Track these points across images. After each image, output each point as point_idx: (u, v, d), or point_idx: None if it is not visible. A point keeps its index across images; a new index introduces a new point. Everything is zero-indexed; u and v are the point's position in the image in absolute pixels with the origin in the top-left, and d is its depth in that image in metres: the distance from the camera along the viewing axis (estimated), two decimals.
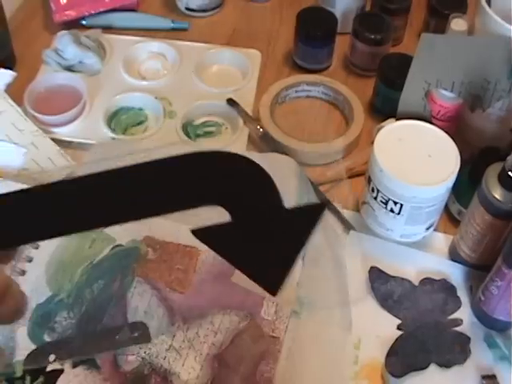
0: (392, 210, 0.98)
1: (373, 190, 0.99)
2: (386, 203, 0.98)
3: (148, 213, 0.44)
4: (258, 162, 1.10)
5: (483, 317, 0.96)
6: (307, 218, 0.44)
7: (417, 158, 0.96)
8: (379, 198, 0.99)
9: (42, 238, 0.45)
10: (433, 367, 0.92)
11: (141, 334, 0.91)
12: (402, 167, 0.95)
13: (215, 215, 0.44)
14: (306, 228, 0.44)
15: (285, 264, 0.45)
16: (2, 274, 0.48)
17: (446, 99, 1.11)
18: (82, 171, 1.06)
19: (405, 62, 1.16)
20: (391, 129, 1.00)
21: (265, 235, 0.45)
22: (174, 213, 0.43)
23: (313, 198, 1.05)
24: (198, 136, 1.22)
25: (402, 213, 0.98)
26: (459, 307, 0.98)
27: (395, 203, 0.97)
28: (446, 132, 1.00)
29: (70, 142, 1.19)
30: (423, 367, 0.92)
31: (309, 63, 1.34)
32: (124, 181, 0.44)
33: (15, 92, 1.20)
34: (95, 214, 0.44)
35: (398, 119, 1.06)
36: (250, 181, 0.44)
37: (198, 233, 0.44)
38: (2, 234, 0.44)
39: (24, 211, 0.44)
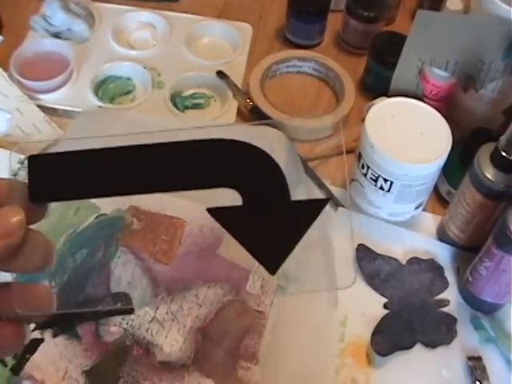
0: (382, 188, 0.97)
1: (363, 167, 0.98)
2: (375, 180, 0.97)
3: (171, 187, 0.48)
4: (247, 133, 1.08)
5: (470, 298, 0.95)
6: (310, 210, 0.49)
7: (409, 136, 0.95)
8: (369, 175, 0.97)
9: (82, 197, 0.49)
10: (418, 347, 0.91)
11: (123, 304, 0.90)
12: (393, 144, 0.93)
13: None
14: (307, 219, 0.49)
15: (285, 249, 0.49)
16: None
17: (439, 78, 1.10)
18: (67, 139, 1.05)
19: (397, 40, 1.15)
20: (384, 105, 0.99)
21: (270, 221, 0.49)
22: (193, 190, 0.48)
23: (301, 174, 1.04)
24: (186, 107, 1.20)
25: (391, 191, 0.97)
26: (446, 288, 0.97)
27: (385, 180, 0.95)
28: (438, 112, 0.98)
29: (55, 110, 1.18)
30: (409, 347, 0.91)
31: (300, 39, 1.32)
32: (156, 155, 0.48)
33: (1, 57, 1.18)
34: (125, 181, 0.48)
35: (390, 97, 1.04)
36: (264, 172, 0.48)
37: (212, 211, 0.49)
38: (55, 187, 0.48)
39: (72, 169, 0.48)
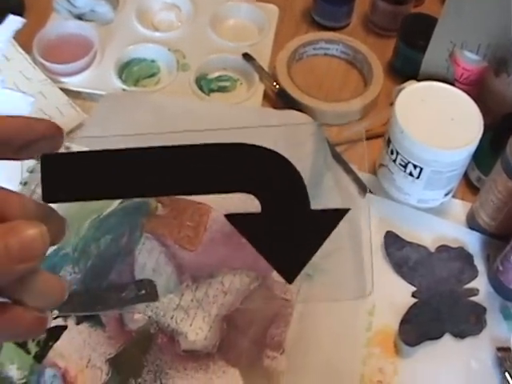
0: (411, 174, 0.96)
1: (392, 153, 0.96)
2: (405, 166, 0.95)
3: (188, 190, 0.49)
4: (274, 118, 1.08)
5: (500, 287, 0.94)
6: (329, 219, 0.49)
7: (439, 121, 0.93)
8: (398, 161, 0.96)
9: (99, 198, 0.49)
10: (447, 337, 0.90)
11: (148, 291, 0.89)
12: (423, 129, 0.92)
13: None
14: (326, 228, 0.49)
15: (302, 258, 0.50)
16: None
17: (471, 62, 1.08)
18: (91, 123, 1.05)
19: (427, 22, 1.14)
20: (414, 89, 0.97)
21: (289, 230, 0.49)
22: (211, 194, 0.49)
23: (329, 158, 1.03)
24: (211, 90, 1.19)
25: (421, 177, 0.95)
26: (476, 276, 0.96)
27: (415, 166, 0.94)
28: (469, 96, 0.96)
29: (79, 93, 1.17)
30: (437, 337, 0.90)
31: (327, 20, 1.31)
32: (173, 157, 0.48)
33: (24, 39, 1.16)
34: (140, 183, 0.48)
35: (419, 80, 1.03)
36: (284, 179, 0.48)
37: (230, 217, 0.49)
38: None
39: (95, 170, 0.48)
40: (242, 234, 0.49)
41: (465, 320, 0.91)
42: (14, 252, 0.43)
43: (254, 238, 0.49)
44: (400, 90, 0.98)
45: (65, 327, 0.87)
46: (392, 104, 0.96)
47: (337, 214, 0.49)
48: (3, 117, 0.49)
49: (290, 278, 0.50)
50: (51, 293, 0.47)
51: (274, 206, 0.48)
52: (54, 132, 0.49)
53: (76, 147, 1.02)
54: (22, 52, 1.14)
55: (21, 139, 0.48)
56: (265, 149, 0.48)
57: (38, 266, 0.45)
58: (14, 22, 1.15)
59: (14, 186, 0.75)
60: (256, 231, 0.49)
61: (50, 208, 0.49)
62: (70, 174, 0.47)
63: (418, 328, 0.90)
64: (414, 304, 0.93)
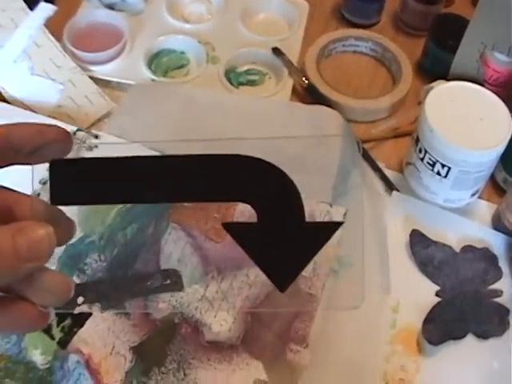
0: (439, 173, 0.95)
1: (420, 151, 0.96)
2: (432, 165, 0.95)
3: (189, 198, 0.54)
4: (303, 113, 1.08)
5: None
6: (323, 233, 0.51)
7: (468, 121, 0.93)
8: (426, 160, 0.96)
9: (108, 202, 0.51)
10: (470, 337, 0.90)
11: (173, 281, 0.90)
12: (452, 129, 0.92)
13: None
14: (319, 241, 0.51)
15: (295, 268, 0.52)
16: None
17: (501, 64, 1.08)
18: (119, 113, 1.06)
19: (458, 22, 1.14)
20: (444, 89, 0.97)
21: (283, 241, 0.51)
22: (214, 202, 0.54)
23: (356, 155, 1.03)
24: (240, 84, 1.19)
25: (448, 176, 0.95)
26: (500, 278, 0.95)
27: (443, 166, 0.94)
28: (498, 97, 0.96)
29: (108, 82, 1.17)
30: (460, 336, 0.89)
31: (357, 17, 1.31)
32: (175, 167, 0.50)
33: (55, 27, 1.17)
34: (143, 190, 0.51)
35: (448, 80, 1.02)
36: (281, 192, 0.50)
37: (227, 226, 0.51)
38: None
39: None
40: (238, 242, 0.51)
41: (488, 321, 0.91)
42: (22, 251, 0.45)
43: (250, 247, 0.51)
44: (429, 90, 0.98)
45: (90, 314, 0.88)
46: (420, 103, 0.96)
47: (330, 227, 0.51)
48: (15, 124, 0.51)
49: (282, 286, 0.52)
50: (56, 291, 0.49)
51: (270, 216, 0.50)
52: (64, 138, 0.51)
53: (105, 136, 1.04)
54: (53, 39, 1.14)
55: (32, 145, 0.50)
56: (263, 161, 0.50)
57: (44, 265, 0.47)
58: (45, 9, 1.15)
59: None
60: (251, 240, 0.51)
61: (59, 210, 0.52)
62: (78, 178, 0.50)
63: (441, 327, 0.89)
64: (438, 303, 0.92)
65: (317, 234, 0.51)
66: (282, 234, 0.51)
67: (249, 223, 0.51)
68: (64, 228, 0.52)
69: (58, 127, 0.51)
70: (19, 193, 0.52)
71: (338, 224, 0.51)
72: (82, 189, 0.50)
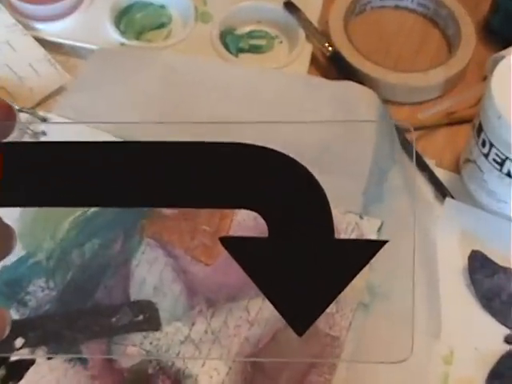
0: (509, 174, 0.96)
1: (484, 144, 0.97)
2: (501, 164, 0.96)
3: (174, 203, 0.50)
4: (325, 90, 1.09)
5: None
6: (358, 253, 0.49)
7: None
8: (492, 156, 0.97)
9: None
10: None
11: (147, 317, 0.90)
12: None
13: None
14: (353, 266, 0.49)
15: (319, 303, 0.49)
16: None
17: None
18: (76, 88, 1.06)
19: None
20: None
21: (303, 263, 0.49)
22: (209, 208, 0.50)
23: (396, 149, 1.04)
24: (240, 50, 1.21)
25: None
26: None
27: None
28: None
29: (61, 45, 1.18)
30: None
31: None
32: (162, 158, 0.49)
33: None
34: (118, 189, 0.49)
35: None
36: (302, 196, 0.48)
37: (225, 241, 0.49)
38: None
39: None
40: (242, 265, 0.49)
41: None
42: None
43: (258, 271, 0.49)
44: (498, 60, 0.99)
45: (31, 362, 0.88)
46: (486, 78, 0.96)
47: (369, 247, 0.49)
48: None
49: (300, 328, 0.50)
50: None
51: (285, 229, 0.48)
52: (3, 113, 0.51)
53: (56, 118, 1.05)
54: None
55: None
56: (277, 153, 0.48)
57: None
58: None
59: None
60: (260, 262, 0.49)
61: None
62: (24, 169, 0.48)
63: None
64: (508, 353, 0.92)
65: (350, 255, 0.49)
66: (302, 255, 0.48)
67: (257, 238, 0.48)
68: None
69: None
70: None
71: (381, 243, 0.49)
72: (30, 184, 0.48)
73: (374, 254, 0.49)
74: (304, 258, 0.49)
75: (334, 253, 0.48)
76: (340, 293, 0.49)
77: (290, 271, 0.49)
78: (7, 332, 0.49)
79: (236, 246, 0.49)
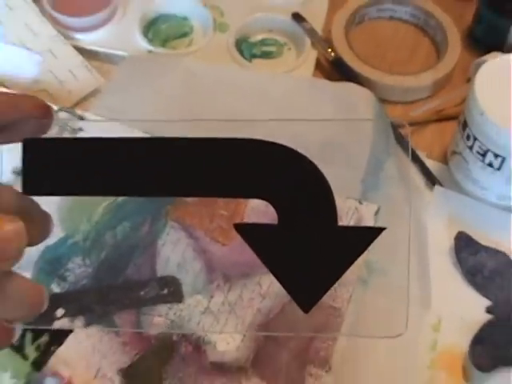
0: (490, 164, 0.96)
1: (468, 138, 0.96)
2: (483, 155, 0.95)
3: (192, 192, 0.50)
4: (328, 91, 1.08)
5: None
6: (358, 240, 0.50)
7: None
8: (476, 149, 0.96)
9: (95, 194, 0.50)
10: None
11: (171, 291, 0.90)
12: (508, 112, 0.92)
13: None
14: (354, 251, 0.50)
15: (323, 283, 0.50)
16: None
17: None
18: (109, 90, 1.06)
19: None
20: (498, 63, 0.97)
21: (309, 248, 0.49)
22: (219, 198, 0.49)
23: (391, 142, 1.03)
24: (253, 56, 1.20)
25: (502, 168, 0.95)
26: None
27: (496, 156, 0.94)
28: None
29: (96, 53, 1.18)
30: None
31: None
32: (179, 152, 0.48)
33: None
34: (139, 180, 0.49)
35: (505, 53, 1.02)
36: (309, 187, 0.48)
37: (240, 228, 0.49)
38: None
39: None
40: (253, 249, 0.49)
41: None
42: None
43: (268, 255, 0.49)
44: (481, 64, 0.98)
45: (71, 330, 0.88)
46: (470, 80, 0.96)
47: (369, 233, 0.50)
48: None
49: (306, 306, 0.50)
50: (25, 302, 0.47)
51: (293, 217, 0.48)
52: (43, 112, 0.50)
53: (91, 117, 1.04)
54: (29, 1, 1.15)
55: (3, 119, 0.49)
56: (286, 148, 0.48)
57: (11, 268, 0.45)
58: None
59: None
60: (270, 246, 0.49)
61: (33, 202, 0.50)
62: (57, 162, 0.48)
63: (492, 351, 0.89)
64: (489, 321, 0.92)
65: (351, 241, 0.49)
66: (308, 240, 0.49)
67: (267, 225, 0.49)
68: (38, 224, 0.50)
69: (36, 98, 0.50)
70: None
71: (379, 230, 0.50)
72: (61, 176, 0.48)
73: (372, 240, 0.49)
74: (309, 242, 0.49)
75: (337, 238, 0.49)
76: (342, 274, 0.50)
77: (297, 255, 0.49)
78: (46, 306, 0.48)
79: (248, 232, 0.49)
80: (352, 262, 0.50)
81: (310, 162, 0.48)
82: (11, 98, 0.49)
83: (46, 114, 0.50)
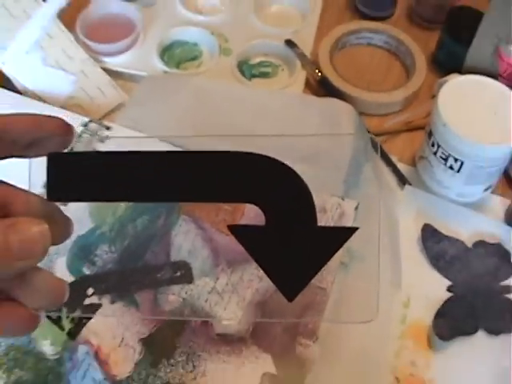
0: (451, 167, 0.95)
1: (433, 145, 0.96)
2: (445, 159, 0.95)
3: (193, 198, 0.49)
4: (316, 105, 1.08)
5: None
6: (336, 238, 0.49)
7: (482, 115, 0.93)
8: (439, 154, 0.96)
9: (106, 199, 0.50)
10: (480, 333, 0.90)
11: (183, 273, 0.90)
12: (466, 123, 0.91)
13: None
14: (332, 247, 0.49)
15: (305, 276, 0.49)
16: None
17: None
18: (131, 104, 1.06)
19: (473, 15, 1.14)
20: (457, 82, 0.97)
21: (293, 246, 0.49)
22: (215, 202, 0.50)
23: (369, 148, 1.03)
24: (253, 76, 1.19)
25: (461, 171, 0.95)
26: None
27: (456, 160, 0.94)
28: None
29: (120, 73, 1.18)
30: (471, 332, 0.89)
31: (371, 10, 1.30)
32: (180, 164, 0.48)
33: (67, 18, 1.17)
34: (145, 187, 0.48)
35: (463, 74, 1.02)
36: (292, 193, 0.48)
37: (233, 228, 0.49)
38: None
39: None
40: (244, 247, 0.49)
41: (499, 317, 0.91)
42: (14, 248, 0.43)
43: (256, 252, 0.49)
44: (442, 83, 0.98)
45: (99, 305, 0.88)
46: (434, 97, 0.95)
47: (344, 232, 0.49)
48: (13, 115, 0.49)
49: (290, 295, 0.49)
50: (49, 293, 0.47)
51: (279, 219, 0.48)
52: (64, 131, 0.49)
53: (116, 127, 1.04)
54: (65, 30, 1.14)
55: (30, 137, 0.48)
56: (274, 160, 0.47)
57: (36, 264, 0.45)
58: (58, 0, 1.15)
59: None
60: (258, 245, 0.49)
61: (56, 207, 0.50)
62: (77, 173, 0.48)
63: (452, 322, 0.89)
64: (449, 298, 0.92)
65: (329, 239, 0.49)
66: (292, 239, 0.48)
67: (255, 226, 0.48)
68: (60, 226, 0.50)
69: (59, 119, 0.49)
70: (15, 187, 0.49)
71: (353, 229, 0.49)
72: (80, 184, 0.48)
73: (347, 238, 0.48)
74: (293, 241, 0.48)
75: (317, 237, 0.48)
76: (322, 268, 0.49)
77: (282, 251, 0.49)
78: (67, 297, 0.47)
79: (239, 232, 0.49)
80: (330, 258, 0.49)
81: (293, 171, 0.47)
82: (37, 118, 0.49)
83: (67, 132, 0.50)
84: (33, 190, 0.48)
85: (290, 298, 0.49)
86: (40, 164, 0.49)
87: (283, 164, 0.47)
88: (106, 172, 0.48)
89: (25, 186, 0.48)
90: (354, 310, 0.87)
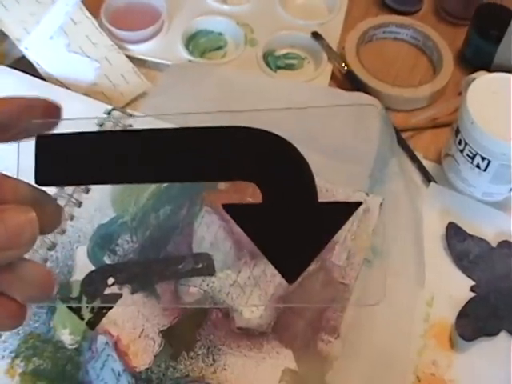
0: (478, 166, 0.94)
1: (460, 143, 0.95)
2: (472, 158, 0.94)
3: (187, 177, 0.47)
4: (342, 99, 1.06)
5: None
6: (338, 214, 0.46)
7: (510, 114, 0.91)
8: (466, 152, 0.94)
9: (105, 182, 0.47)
10: (503, 334, 0.89)
11: (205, 265, 0.89)
12: (494, 122, 0.90)
13: None
14: (334, 224, 0.46)
15: (306, 256, 0.46)
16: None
17: None
18: (155, 93, 1.05)
19: (501, 13, 1.13)
20: (486, 80, 0.95)
21: (292, 224, 0.46)
22: (210, 181, 0.51)
23: (394, 144, 1.02)
24: (278, 67, 1.19)
25: (488, 170, 0.94)
26: None
27: (483, 159, 0.93)
28: None
29: (144, 61, 1.17)
30: (493, 333, 0.88)
31: (398, 4, 1.29)
32: (174, 141, 0.46)
33: (92, 4, 1.16)
34: (139, 168, 0.46)
35: (491, 72, 1.01)
36: (291, 168, 0.45)
37: (228, 208, 0.47)
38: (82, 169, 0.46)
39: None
40: (241, 227, 0.46)
41: None
42: (0, 238, 0.42)
43: (254, 232, 0.46)
44: (470, 81, 0.97)
45: (119, 295, 0.87)
46: (460, 94, 0.95)
47: (347, 208, 0.46)
48: (4, 99, 0.47)
49: (291, 277, 0.47)
50: (37, 284, 0.45)
51: (277, 196, 0.45)
52: (53, 112, 0.48)
53: (140, 115, 1.03)
54: (90, 16, 1.13)
55: (21, 122, 0.47)
56: (271, 134, 0.45)
57: (24, 254, 0.44)
58: None
59: None
60: (256, 224, 0.46)
61: (45, 193, 0.47)
62: (67, 156, 0.46)
63: (474, 323, 0.88)
64: (472, 298, 0.91)
65: (331, 215, 0.46)
66: (291, 216, 0.46)
67: (252, 204, 0.46)
68: (50, 214, 0.47)
69: (46, 100, 0.48)
70: (2, 173, 0.46)
71: (357, 204, 0.46)
72: (72, 167, 0.46)
73: (350, 214, 0.46)
74: (292, 219, 0.46)
75: (318, 214, 0.46)
76: (324, 247, 0.46)
77: (281, 230, 0.46)
78: (56, 289, 0.46)
79: (235, 211, 0.46)
80: (332, 236, 0.46)
81: (292, 146, 0.45)
82: (27, 101, 0.48)
83: (56, 113, 0.49)
84: (21, 177, 0.46)
85: (291, 280, 0.47)
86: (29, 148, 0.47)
87: (280, 138, 0.45)
88: (97, 153, 0.46)
89: (13, 173, 0.46)
90: (380, 306, 0.87)
